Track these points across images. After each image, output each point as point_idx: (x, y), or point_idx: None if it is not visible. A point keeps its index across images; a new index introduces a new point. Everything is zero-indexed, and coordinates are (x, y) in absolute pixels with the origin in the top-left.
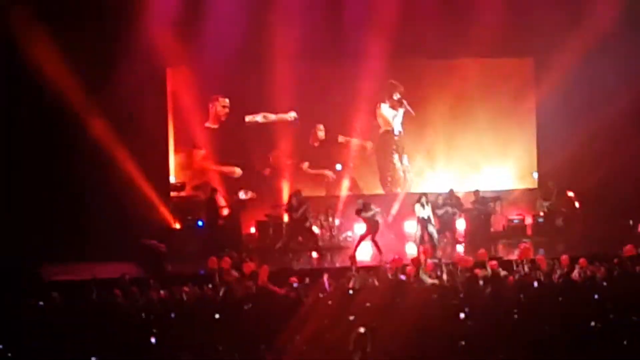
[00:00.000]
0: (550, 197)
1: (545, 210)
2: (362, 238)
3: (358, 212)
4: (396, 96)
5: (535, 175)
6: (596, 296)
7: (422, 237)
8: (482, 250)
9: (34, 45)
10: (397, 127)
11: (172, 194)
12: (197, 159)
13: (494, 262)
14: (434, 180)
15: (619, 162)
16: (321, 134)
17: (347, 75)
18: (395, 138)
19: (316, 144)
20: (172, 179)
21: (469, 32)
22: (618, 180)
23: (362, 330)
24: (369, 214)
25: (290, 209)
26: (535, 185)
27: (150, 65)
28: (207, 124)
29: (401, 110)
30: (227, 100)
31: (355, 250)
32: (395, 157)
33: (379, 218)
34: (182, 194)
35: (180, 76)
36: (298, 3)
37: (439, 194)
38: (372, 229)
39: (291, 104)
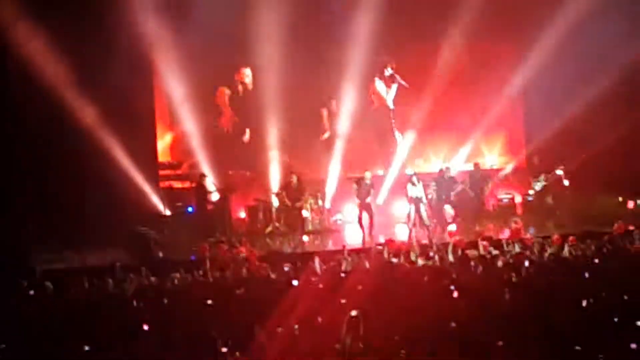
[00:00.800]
0: (539, 174)
1: (541, 187)
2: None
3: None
4: (388, 71)
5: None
6: (587, 274)
7: (413, 217)
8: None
9: (20, 35)
10: (391, 103)
11: (168, 172)
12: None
13: (485, 243)
14: (424, 160)
15: (608, 138)
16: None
17: (335, 56)
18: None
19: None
20: (168, 158)
21: (457, 13)
22: (607, 157)
23: (354, 313)
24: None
25: (286, 189)
26: (524, 164)
27: (137, 49)
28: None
29: (394, 86)
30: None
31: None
32: (396, 132)
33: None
34: (179, 172)
35: (167, 58)
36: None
37: (430, 174)
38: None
39: (278, 88)
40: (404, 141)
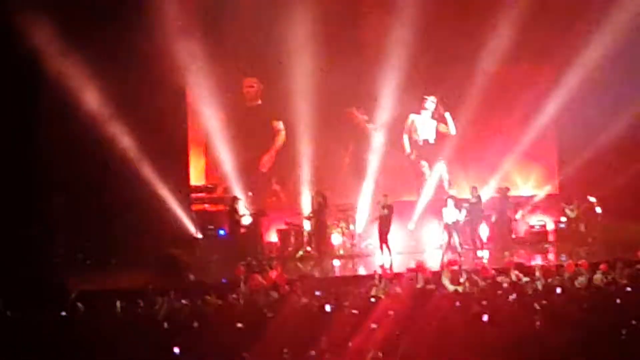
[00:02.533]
0: (572, 201)
1: (574, 215)
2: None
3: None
4: (430, 105)
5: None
6: (618, 301)
7: (447, 242)
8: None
9: (55, 55)
10: (427, 136)
11: (202, 195)
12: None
13: (517, 271)
14: (457, 187)
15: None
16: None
17: (362, 81)
18: (424, 145)
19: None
20: (203, 181)
21: (491, 39)
22: (639, 185)
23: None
24: (384, 213)
25: (317, 209)
26: (557, 191)
27: (171, 75)
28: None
29: (433, 121)
30: (254, 79)
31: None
32: (425, 164)
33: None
34: (213, 195)
35: (200, 83)
36: (316, 14)
37: (463, 199)
38: (382, 230)
39: (309, 110)
40: (437, 170)
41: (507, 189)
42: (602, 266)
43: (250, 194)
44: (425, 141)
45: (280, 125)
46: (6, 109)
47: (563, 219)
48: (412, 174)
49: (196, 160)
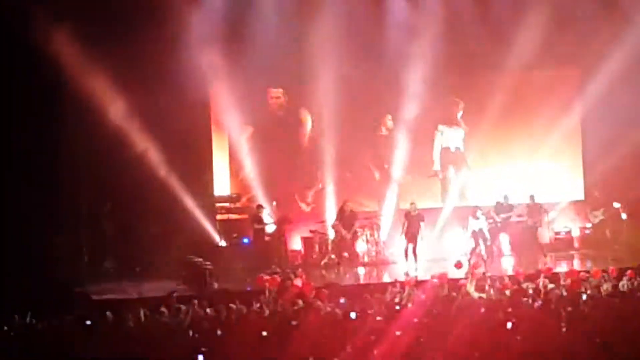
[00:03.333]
0: (599, 207)
1: (599, 220)
2: (405, 250)
3: (407, 215)
4: (460, 114)
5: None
6: None
7: (473, 250)
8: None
9: (80, 68)
10: (457, 144)
11: (227, 205)
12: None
13: (543, 277)
14: (480, 193)
15: None
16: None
17: (387, 89)
18: (456, 152)
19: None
20: (227, 191)
21: (516, 43)
22: None
23: None
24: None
25: (341, 219)
26: (582, 197)
27: (195, 84)
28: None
29: (461, 130)
30: (280, 90)
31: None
32: (452, 171)
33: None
34: (238, 205)
35: (223, 91)
36: (340, 23)
37: (486, 207)
38: (412, 238)
39: (331, 127)
40: (464, 177)
41: (532, 197)
42: (629, 272)
43: (274, 203)
44: (457, 149)
45: (307, 117)
46: (35, 123)
47: (588, 224)
48: (438, 181)
49: (221, 170)
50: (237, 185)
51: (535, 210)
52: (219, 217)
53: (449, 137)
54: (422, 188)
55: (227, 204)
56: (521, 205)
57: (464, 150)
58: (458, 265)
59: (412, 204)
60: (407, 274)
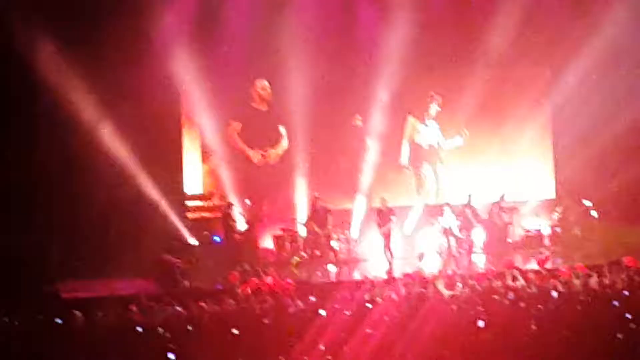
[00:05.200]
0: (558, 205)
1: (557, 218)
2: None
3: (379, 212)
4: (434, 108)
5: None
6: (616, 303)
7: (443, 247)
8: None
9: (50, 67)
10: (430, 141)
11: (201, 203)
12: (228, 132)
13: (513, 273)
14: (451, 191)
15: (637, 169)
16: None
17: (360, 85)
18: (427, 149)
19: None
20: (200, 189)
21: (485, 41)
22: (636, 187)
23: None
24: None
25: (313, 216)
26: (553, 196)
27: (164, 80)
28: (254, 104)
29: (435, 125)
30: (266, 82)
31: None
32: (426, 167)
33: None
34: (210, 203)
35: (193, 87)
36: (311, 25)
37: (457, 205)
38: (385, 234)
39: (304, 126)
40: (439, 175)
41: (502, 195)
42: (597, 270)
43: (247, 201)
44: (430, 146)
45: (283, 131)
46: (5, 122)
47: (554, 218)
48: (411, 179)
49: (193, 169)
50: (210, 184)
51: (503, 209)
52: (190, 215)
53: (423, 132)
54: (396, 185)
55: (199, 202)
56: (489, 204)
57: (437, 147)
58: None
59: (382, 199)
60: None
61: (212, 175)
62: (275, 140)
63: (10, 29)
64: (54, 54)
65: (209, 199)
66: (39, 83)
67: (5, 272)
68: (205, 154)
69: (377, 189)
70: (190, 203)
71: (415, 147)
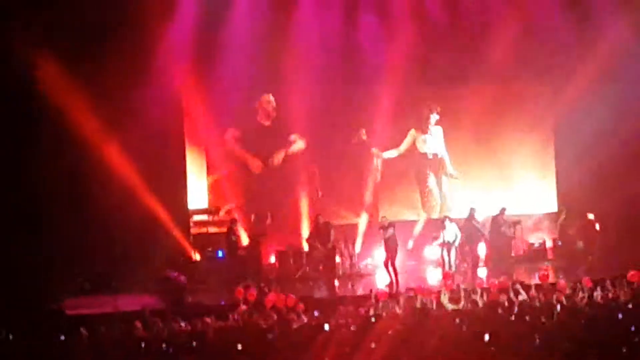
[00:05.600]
0: (559, 219)
1: (563, 219)
2: (385, 263)
3: (382, 229)
4: (434, 117)
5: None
6: (620, 316)
7: (445, 261)
8: (503, 278)
9: (52, 78)
10: (434, 150)
11: (207, 217)
12: (228, 140)
13: (517, 287)
14: (455, 204)
15: (639, 183)
16: None
17: (362, 102)
18: (431, 159)
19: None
20: (206, 204)
21: (487, 58)
22: (638, 201)
23: None
24: (389, 234)
25: (315, 233)
26: (555, 209)
27: (167, 95)
28: (258, 119)
29: (438, 132)
30: (271, 96)
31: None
32: (432, 178)
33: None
34: (216, 218)
35: (196, 103)
36: (313, 36)
37: (459, 219)
38: (391, 250)
39: (304, 132)
40: (443, 186)
41: (504, 210)
42: (601, 284)
43: (253, 217)
44: (435, 155)
45: (296, 137)
46: (10, 137)
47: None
48: (416, 191)
49: (198, 184)
50: (215, 198)
51: (505, 222)
52: (196, 230)
53: (427, 142)
54: (401, 200)
55: (205, 217)
56: (490, 217)
57: (440, 157)
58: (447, 277)
59: (383, 217)
60: (387, 286)
61: (218, 188)
62: (280, 147)
63: (13, 46)
64: (58, 72)
65: (216, 213)
66: (43, 100)
67: (10, 288)
68: (211, 168)
69: (382, 204)
70: (196, 217)
71: (420, 157)
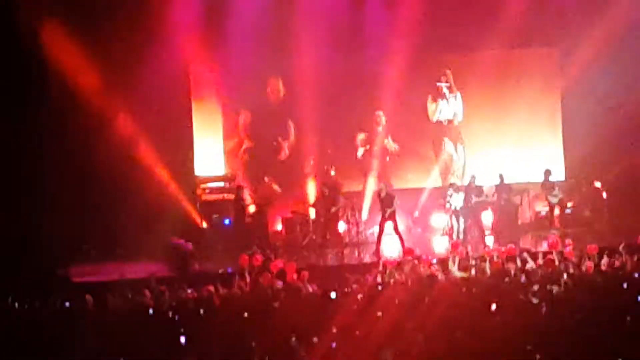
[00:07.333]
0: (553, 187)
1: (556, 200)
2: (380, 228)
3: (378, 194)
4: (445, 84)
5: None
6: (625, 285)
7: (452, 229)
8: (510, 246)
9: (57, 46)
10: (448, 116)
11: (224, 184)
12: (240, 122)
13: (525, 255)
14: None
15: None
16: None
17: (370, 70)
18: (446, 125)
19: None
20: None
21: (494, 23)
22: None
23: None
24: (382, 195)
25: (323, 200)
26: (563, 178)
27: (174, 62)
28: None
29: (452, 97)
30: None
31: (378, 244)
32: (449, 146)
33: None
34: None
35: (203, 72)
36: (321, 4)
37: (464, 186)
38: (386, 214)
39: (315, 105)
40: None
41: (502, 176)
42: (608, 251)
43: (266, 179)
44: (450, 122)
45: (291, 125)
46: (17, 106)
47: (545, 207)
48: (427, 159)
49: (213, 150)
50: (232, 165)
51: (504, 190)
52: (212, 197)
53: (442, 109)
54: (417, 167)
55: (222, 184)
56: (497, 186)
57: (457, 124)
58: (456, 246)
59: (378, 184)
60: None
61: (234, 156)
62: (286, 134)
63: (18, 16)
64: (64, 43)
65: (233, 180)
66: (50, 70)
67: (15, 257)
68: (227, 135)
69: (392, 172)
70: (211, 184)
71: (436, 125)
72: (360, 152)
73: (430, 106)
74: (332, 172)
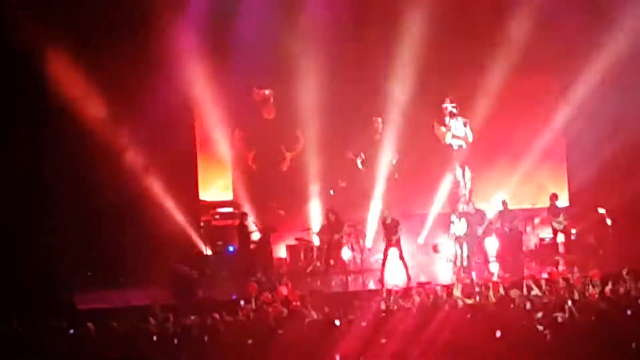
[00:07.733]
0: (558, 214)
1: (561, 227)
2: (385, 255)
3: (383, 221)
4: (450, 105)
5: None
6: (629, 312)
7: (456, 255)
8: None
9: (64, 78)
10: (459, 141)
11: (230, 210)
12: (235, 139)
13: (530, 282)
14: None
15: None
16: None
17: (369, 91)
18: (457, 149)
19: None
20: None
21: (500, 49)
22: None
23: None
24: (387, 221)
25: (328, 227)
26: (567, 204)
27: (179, 89)
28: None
29: (455, 122)
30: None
31: (382, 271)
32: (459, 170)
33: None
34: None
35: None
36: (323, 33)
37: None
38: (391, 241)
39: (318, 130)
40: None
41: (505, 202)
42: (613, 278)
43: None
44: (460, 147)
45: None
46: (21, 128)
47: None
48: (430, 184)
49: (223, 176)
50: (237, 187)
51: (508, 216)
52: (222, 222)
53: (453, 128)
54: (413, 194)
55: (230, 209)
56: (500, 212)
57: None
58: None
59: (382, 211)
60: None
61: (241, 181)
62: (290, 145)
63: (23, 40)
64: (68, 67)
65: (238, 207)
66: (53, 93)
67: (19, 282)
68: (238, 159)
69: (393, 199)
70: (221, 210)
71: (446, 149)
72: (363, 174)
73: (440, 129)
74: (332, 192)
